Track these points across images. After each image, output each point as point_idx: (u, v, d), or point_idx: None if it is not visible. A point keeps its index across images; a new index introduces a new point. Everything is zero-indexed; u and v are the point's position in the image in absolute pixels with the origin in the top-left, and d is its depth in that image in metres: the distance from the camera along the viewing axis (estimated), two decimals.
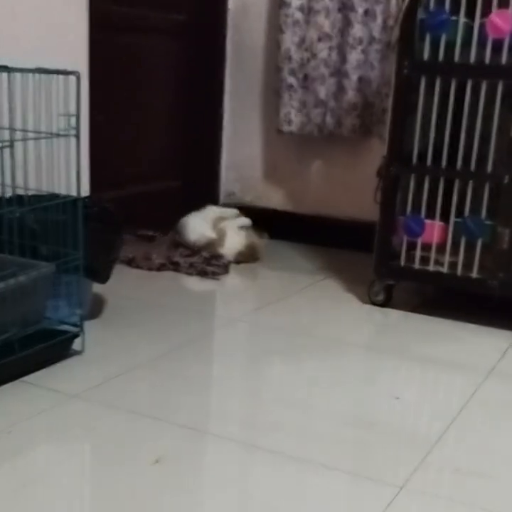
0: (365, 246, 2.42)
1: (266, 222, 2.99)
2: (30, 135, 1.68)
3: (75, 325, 1.79)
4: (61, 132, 1.62)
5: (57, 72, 1.60)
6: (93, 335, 1.86)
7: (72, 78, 1.60)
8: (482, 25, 1.97)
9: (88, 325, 1.85)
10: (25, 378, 1.65)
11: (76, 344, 1.80)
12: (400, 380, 1.84)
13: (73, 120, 1.60)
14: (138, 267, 2.60)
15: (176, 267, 2.62)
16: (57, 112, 1.63)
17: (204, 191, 3.26)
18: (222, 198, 3.31)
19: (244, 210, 3.11)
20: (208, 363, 1.87)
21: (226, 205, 3.25)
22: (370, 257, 2.31)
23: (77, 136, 1.63)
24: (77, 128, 1.62)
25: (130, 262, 2.61)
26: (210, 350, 1.97)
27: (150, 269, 2.60)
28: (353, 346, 2.02)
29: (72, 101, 1.65)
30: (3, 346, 1.60)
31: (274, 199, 3.19)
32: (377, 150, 2.89)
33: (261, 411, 1.61)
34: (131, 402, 1.58)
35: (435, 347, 2.02)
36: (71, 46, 2.36)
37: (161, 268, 2.61)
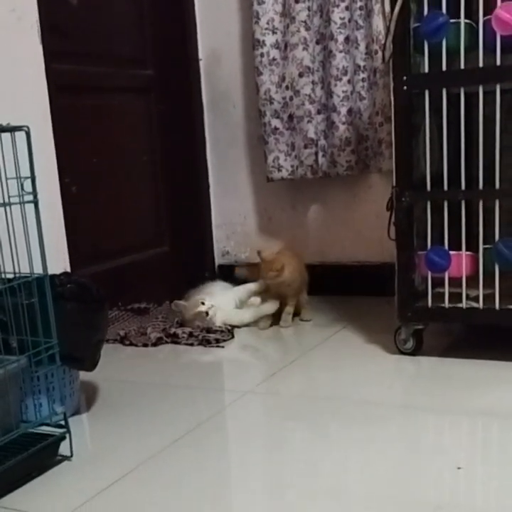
0: (379, 289, 2.28)
1: None
2: None
3: (59, 426, 1.49)
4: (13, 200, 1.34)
5: (2, 129, 1.34)
6: (84, 433, 1.59)
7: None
8: (487, 23, 1.74)
9: (78, 421, 1.59)
10: (2, 501, 1.34)
11: (63, 448, 1.50)
12: (455, 444, 1.53)
13: (28, 184, 1.33)
14: (132, 344, 2.35)
15: (174, 339, 2.37)
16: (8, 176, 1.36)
17: (196, 254, 3.08)
18: (217, 258, 3.07)
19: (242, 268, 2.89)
20: (221, 452, 1.56)
21: (221, 266, 3.02)
22: (386, 302, 2.08)
23: (35, 202, 1.36)
24: (34, 192, 1.34)
25: (123, 340, 2.37)
26: (222, 436, 1.66)
27: (145, 345, 2.32)
28: (389, 407, 1.72)
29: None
30: None
31: None
32: (378, 185, 2.75)
33: (289, 504, 1.30)
34: None
35: (486, 396, 1.73)
36: (31, 112, 2.13)
37: (157, 342, 2.34)
